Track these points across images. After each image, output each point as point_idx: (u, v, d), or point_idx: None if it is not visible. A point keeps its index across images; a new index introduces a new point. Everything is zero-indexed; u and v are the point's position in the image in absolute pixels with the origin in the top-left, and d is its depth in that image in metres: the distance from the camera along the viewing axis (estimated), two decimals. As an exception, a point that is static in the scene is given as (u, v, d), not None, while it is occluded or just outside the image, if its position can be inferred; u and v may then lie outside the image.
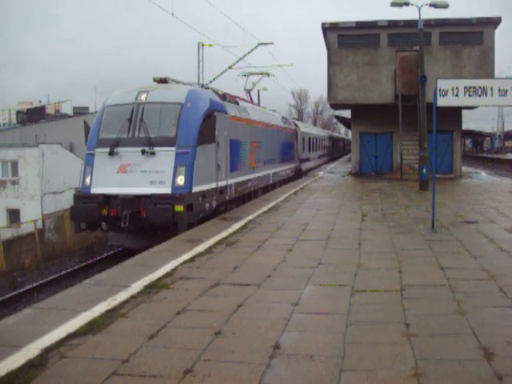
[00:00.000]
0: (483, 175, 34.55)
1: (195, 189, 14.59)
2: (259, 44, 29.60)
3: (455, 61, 29.59)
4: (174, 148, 14.65)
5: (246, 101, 23.98)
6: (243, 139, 20.14)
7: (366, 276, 8.53)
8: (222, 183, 16.98)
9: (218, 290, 7.82)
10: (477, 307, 6.85)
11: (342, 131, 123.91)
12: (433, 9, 24.49)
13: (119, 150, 14.90)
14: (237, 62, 28.32)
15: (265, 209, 17.12)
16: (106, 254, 18.06)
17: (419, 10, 24.02)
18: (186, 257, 10.06)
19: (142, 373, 5.01)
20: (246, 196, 20.86)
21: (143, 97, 15.43)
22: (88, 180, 15.05)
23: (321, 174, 36.10)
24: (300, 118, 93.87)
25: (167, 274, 8.74)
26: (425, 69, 25.04)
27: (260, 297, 7.48)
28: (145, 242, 13.96)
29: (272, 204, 18.41)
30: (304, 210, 16.90)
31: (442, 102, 12.66)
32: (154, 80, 16.53)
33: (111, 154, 14.87)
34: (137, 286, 7.97)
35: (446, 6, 24.25)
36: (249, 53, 28.38)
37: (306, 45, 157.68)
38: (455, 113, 29.83)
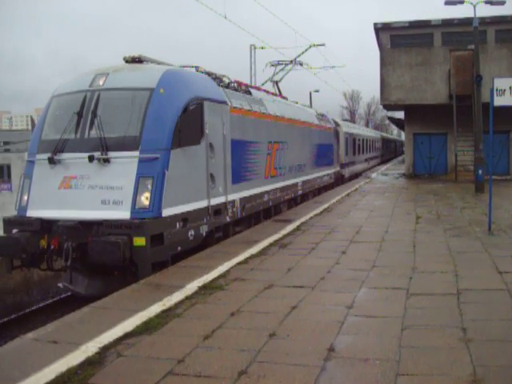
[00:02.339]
0: (542, 176, 33.56)
1: (168, 211, 10.33)
2: (311, 45, 29.51)
3: (512, 59, 28.88)
4: (136, 152, 10.32)
5: (268, 92, 19.70)
6: (255, 139, 15.49)
7: (422, 279, 8.42)
8: (217, 200, 12.43)
9: (271, 292, 7.84)
10: (537, 312, 6.67)
11: (395, 132, 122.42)
12: (488, 6, 24.05)
13: (63, 156, 10.72)
14: (289, 63, 28.22)
15: (317, 211, 17.05)
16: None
17: (474, 7, 23.58)
18: (239, 258, 10.12)
19: (197, 373, 5.07)
20: (262, 213, 16.30)
21: (101, 82, 11.19)
22: (25, 198, 11.04)
23: (373, 175, 35.77)
24: (352, 120, 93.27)
25: (221, 276, 8.81)
26: (480, 68, 24.53)
27: (314, 299, 7.47)
28: (98, 286, 10.44)
29: (325, 206, 18.34)
30: (357, 212, 16.77)
31: (499, 101, 12.39)
32: (125, 61, 12.09)
33: (52, 162, 10.69)
34: (191, 287, 8.07)
35: (502, 3, 23.73)
36: (301, 54, 28.26)
37: (358, 45, 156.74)
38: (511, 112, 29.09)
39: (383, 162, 60.83)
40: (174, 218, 10.54)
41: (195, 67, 13.64)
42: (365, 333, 6.08)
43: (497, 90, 12.37)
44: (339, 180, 30.23)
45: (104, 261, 9.53)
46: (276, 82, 25.43)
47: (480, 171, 22.81)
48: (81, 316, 6.95)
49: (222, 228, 12.90)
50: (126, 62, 12.07)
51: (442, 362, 5.22)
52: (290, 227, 13.82)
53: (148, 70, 11.76)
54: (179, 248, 10.68)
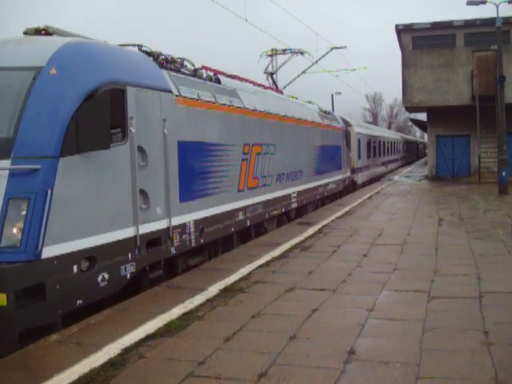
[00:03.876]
0: None
1: (55, 249, 6.88)
2: (332, 48, 29.43)
3: (536, 59, 28.54)
4: (6, 162, 6.90)
5: (256, 84, 15.89)
6: (222, 141, 11.71)
7: (443, 282, 8.37)
8: (154, 225, 8.92)
9: (292, 295, 7.86)
10: (561, 316, 6.61)
11: (418, 134, 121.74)
12: (512, 6, 23.87)
13: None
14: (310, 66, 28.16)
15: (339, 214, 17.03)
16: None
17: (497, 7, 23.41)
18: (261, 261, 10.14)
19: (218, 375, 5.10)
20: (236, 236, 12.67)
21: None
22: None
23: (396, 178, 35.60)
24: (374, 122, 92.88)
25: (242, 278, 8.85)
26: (503, 68, 24.31)
27: (335, 302, 7.47)
28: None
29: (347, 209, 18.31)
30: (379, 215, 16.72)
31: (522, 103, 12.31)
32: (27, 34, 8.44)
33: None
34: (213, 290, 8.11)
35: (526, 3, 23.52)
36: (322, 57, 28.21)
37: (380, 46, 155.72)
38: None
39: (404, 165, 58.88)
40: (68, 258, 7.06)
41: (138, 45, 10.30)
42: (385, 336, 6.08)
43: (520, 91, 12.28)
44: (349, 187, 26.56)
45: None
46: (271, 74, 23.27)
47: (504, 173, 22.59)
48: (103, 318, 7.01)
49: (165, 263, 9.44)
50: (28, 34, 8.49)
51: (463, 365, 5.19)
52: (311, 230, 13.81)
53: (41, 42, 8.13)
54: (79, 302, 7.28)
